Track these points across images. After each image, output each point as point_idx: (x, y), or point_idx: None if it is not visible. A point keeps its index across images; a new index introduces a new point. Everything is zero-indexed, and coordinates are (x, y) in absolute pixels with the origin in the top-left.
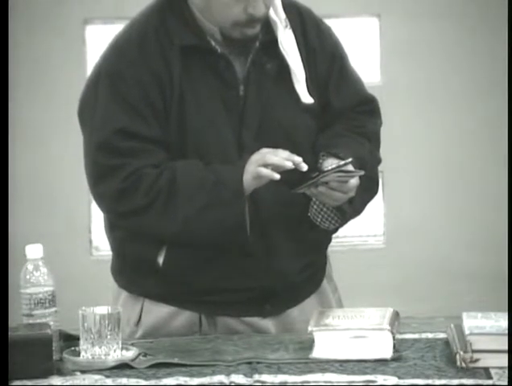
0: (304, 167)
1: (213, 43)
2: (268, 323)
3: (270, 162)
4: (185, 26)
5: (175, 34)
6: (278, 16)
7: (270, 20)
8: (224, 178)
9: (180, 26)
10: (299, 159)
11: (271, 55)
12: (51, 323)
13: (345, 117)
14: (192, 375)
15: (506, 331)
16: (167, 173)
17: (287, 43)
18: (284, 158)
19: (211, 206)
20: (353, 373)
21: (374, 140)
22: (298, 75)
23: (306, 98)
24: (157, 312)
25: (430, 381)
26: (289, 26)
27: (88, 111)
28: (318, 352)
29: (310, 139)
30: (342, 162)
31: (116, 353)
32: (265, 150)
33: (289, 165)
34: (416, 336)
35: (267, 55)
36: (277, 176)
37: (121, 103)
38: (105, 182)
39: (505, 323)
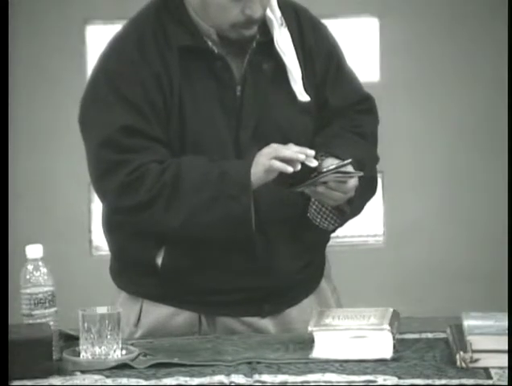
0: (314, 162)
1: (210, 44)
2: (267, 323)
3: (283, 154)
4: (182, 26)
5: (172, 35)
6: (274, 14)
7: (266, 19)
8: (230, 172)
9: (177, 27)
10: (311, 152)
11: (268, 56)
12: (51, 323)
13: (343, 116)
14: (192, 375)
15: (506, 331)
16: (171, 168)
17: (283, 41)
18: (297, 151)
19: (216, 199)
20: (353, 373)
21: (372, 139)
22: (294, 73)
23: (302, 96)
24: (156, 313)
25: (430, 381)
26: (285, 25)
27: (89, 110)
28: (318, 352)
29: (307, 139)
30: (342, 163)
31: (116, 353)
32: (275, 145)
33: (302, 157)
34: (416, 336)
35: (264, 55)
36: (290, 169)
37: (123, 101)
38: (109, 177)
39: (505, 323)
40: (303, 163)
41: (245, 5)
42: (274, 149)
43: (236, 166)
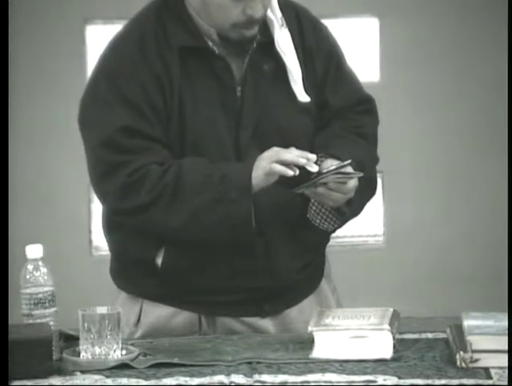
0: (315, 167)
1: (211, 44)
2: (267, 323)
3: (284, 158)
4: (182, 27)
5: (172, 36)
6: (275, 15)
7: (266, 19)
8: (231, 175)
9: (178, 27)
10: (312, 156)
11: (268, 56)
12: (51, 323)
13: (343, 116)
14: (192, 375)
15: (506, 331)
16: (173, 169)
17: (284, 42)
18: (298, 155)
19: (217, 202)
20: (353, 373)
21: (372, 140)
22: (294, 74)
23: (302, 97)
24: (156, 313)
25: (430, 381)
26: (285, 25)
27: (89, 110)
28: (318, 352)
29: (307, 139)
30: (341, 164)
31: (116, 353)
32: (276, 148)
33: (303, 161)
34: (416, 336)
35: (264, 55)
36: (290, 172)
37: (123, 102)
38: (110, 178)
39: (505, 323)
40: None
41: (246, 5)
42: (275, 152)
43: (237, 169)
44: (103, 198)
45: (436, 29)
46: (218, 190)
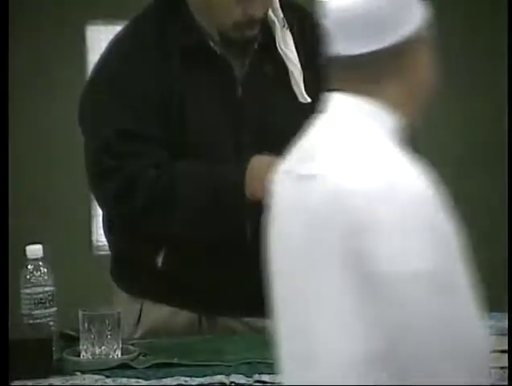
0: None
1: (212, 44)
2: (267, 323)
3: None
4: (184, 27)
5: (174, 36)
6: (276, 16)
7: (268, 20)
8: (226, 181)
9: (179, 27)
10: None
11: (270, 57)
12: (51, 323)
13: None
14: (192, 375)
15: (506, 331)
16: (167, 175)
17: (285, 43)
18: None
19: (212, 208)
20: None
21: None
22: (295, 74)
23: (303, 98)
24: (156, 312)
25: None
26: (287, 26)
27: (88, 112)
28: None
29: None
30: None
31: (116, 353)
32: (272, 158)
33: None
34: None
35: (266, 56)
36: None
37: (122, 104)
38: (105, 183)
39: (505, 323)
40: None
41: (247, 5)
42: (272, 161)
43: (231, 177)
44: (99, 200)
45: (436, 29)
46: (212, 195)
